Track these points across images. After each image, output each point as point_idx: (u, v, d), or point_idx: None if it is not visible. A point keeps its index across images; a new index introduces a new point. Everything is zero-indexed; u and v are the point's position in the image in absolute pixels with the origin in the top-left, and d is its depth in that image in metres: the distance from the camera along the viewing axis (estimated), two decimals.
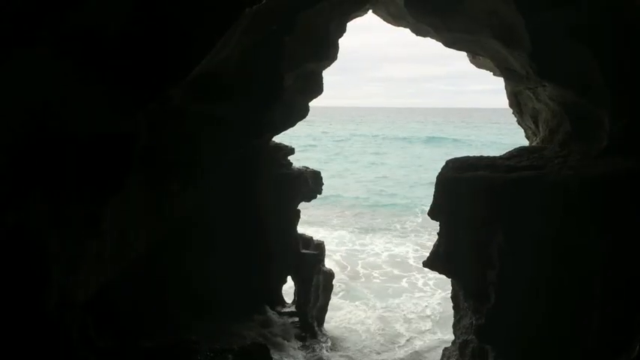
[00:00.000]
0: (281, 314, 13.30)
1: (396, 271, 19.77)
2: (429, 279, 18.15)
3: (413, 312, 16.09)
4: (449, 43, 10.45)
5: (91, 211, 6.65)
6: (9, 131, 5.07)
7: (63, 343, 6.45)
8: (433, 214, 9.58)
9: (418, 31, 11.09)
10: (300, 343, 12.68)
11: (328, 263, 15.67)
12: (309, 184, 14.14)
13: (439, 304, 16.32)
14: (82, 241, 6.70)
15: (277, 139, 13.49)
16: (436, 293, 17.23)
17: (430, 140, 69.62)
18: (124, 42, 5.24)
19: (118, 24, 5.10)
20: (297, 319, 13.30)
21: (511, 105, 11.43)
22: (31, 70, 4.73)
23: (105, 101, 5.52)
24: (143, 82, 5.71)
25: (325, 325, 14.30)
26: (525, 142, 11.46)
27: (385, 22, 11.94)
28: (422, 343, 13.93)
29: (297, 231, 14.13)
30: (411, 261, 20.84)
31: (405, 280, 18.87)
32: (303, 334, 13.04)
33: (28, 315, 5.96)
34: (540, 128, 10.29)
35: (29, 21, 4.22)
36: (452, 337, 10.98)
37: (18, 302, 5.85)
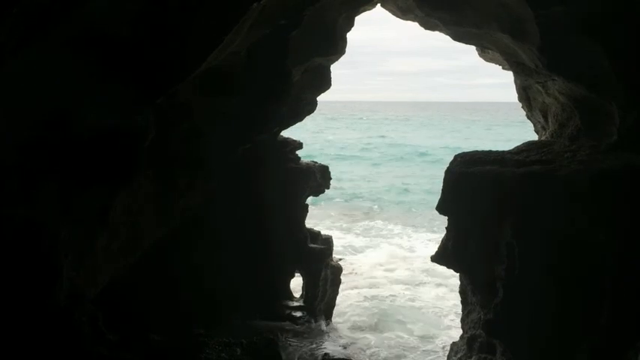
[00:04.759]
0: (289, 309, 13.36)
1: None
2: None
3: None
4: (457, 37, 10.38)
5: (101, 204, 6.71)
6: (21, 127, 5.12)
7: (74, 336, 6.51)
8: (441, 208, 9.54)
9: (426, 25, 11.02)
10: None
11: None
12: (317, 178, 14.16)
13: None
14: (91, 234, 6.77)
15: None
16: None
17: None
18: (132, 39, 5.26)
19: (127, 21, 5.12)
20: (305, 313, 13.35)
21: (520, 99, 11.35)
22: (42, 68, 4.77)
23: (114, 97, 5.56)
24: (151, 79, 5.74)
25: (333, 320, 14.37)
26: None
27: (392, 16, 11.88)
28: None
29: (305, 225, 14.16)
30: None
31: None
32: (311, 328, 13.08)
33: (40, 308, 6.02)
34: (550, 122, 10.22)
35: (37, 20, 4.25)
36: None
37: (29, 295, 5.91)
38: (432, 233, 24.71)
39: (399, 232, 26.13)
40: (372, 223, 28.00)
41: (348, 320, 14.82)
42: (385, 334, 14.02)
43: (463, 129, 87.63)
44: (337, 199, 32.94)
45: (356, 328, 14.45)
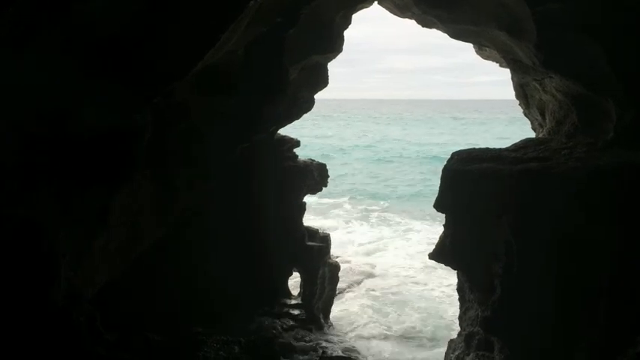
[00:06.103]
0: (287, 307, 13.37)
1: None
2: None
3: None
4: (454, 35, 10.38)
5: (99, 205, 6.71)
6: (20, 127, 5.11)
7: (72, 336, 6.50)
8: (439, 206, 9.54)
9: (424, 23, 11.02)
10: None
11: None
12: (315, 176, 14.16)
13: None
14: (91, 234, 6.76)
15: None
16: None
17: None
18: (130, 38, 5.26)
19: (125, 21, 5.11)
20: (303, 311, 13.37)
21: (517, 96, 11.37)
22: (42, 68, 4.77)
23: (114, 97, 5.55)
24: (149, 77, 5.73)
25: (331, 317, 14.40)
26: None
27: (390, 14, 11.87)
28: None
29: (302, 224, 14.17)
30: None
31: None
32: (309, 326, 13.10)
33: (38, 308, 6.01)
34: (547, 120, 10.24)
35: (37, 20, 4.25)
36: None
37: (27, 295, 5.90)
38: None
39: (412, 226, 26.15)
40: (384, 215, 28.13)
41: (368, 321, 14.89)
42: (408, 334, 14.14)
43: (460, 126, 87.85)
44: (340, 198, 32.90)
45: (380, 327, 14.50)
